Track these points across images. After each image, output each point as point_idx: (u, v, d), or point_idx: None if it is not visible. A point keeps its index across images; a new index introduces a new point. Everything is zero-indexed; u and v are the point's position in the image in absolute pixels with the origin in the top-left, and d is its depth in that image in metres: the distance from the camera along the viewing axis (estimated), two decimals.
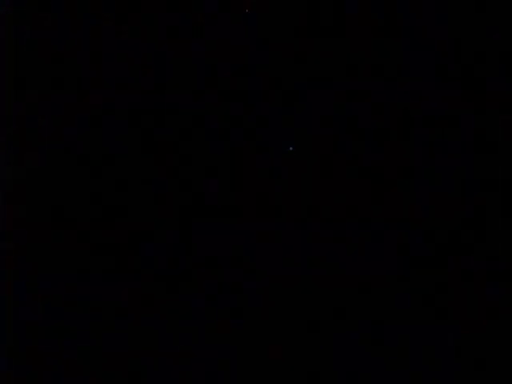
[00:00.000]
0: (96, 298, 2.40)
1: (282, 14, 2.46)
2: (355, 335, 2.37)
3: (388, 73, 2.44)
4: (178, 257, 2.42)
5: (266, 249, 2.41)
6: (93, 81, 2.46)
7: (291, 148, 2.44)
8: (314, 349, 2.37)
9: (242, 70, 2.46)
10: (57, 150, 2.45)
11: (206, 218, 2.43)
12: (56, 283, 2.41)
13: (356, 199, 2.41)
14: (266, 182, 2.43)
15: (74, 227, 2.43)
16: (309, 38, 2.45)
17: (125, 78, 2.46)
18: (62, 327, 2.39)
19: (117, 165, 2.45)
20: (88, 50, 2.46)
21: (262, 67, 2.46)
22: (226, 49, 2.46)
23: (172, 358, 2.38)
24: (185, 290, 2.41)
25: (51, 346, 2.39)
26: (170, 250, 2.42)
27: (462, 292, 2.37)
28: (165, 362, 2.38)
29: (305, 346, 2.37)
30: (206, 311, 2.40)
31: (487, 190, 2.40)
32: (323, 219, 2.41)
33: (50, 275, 2.41)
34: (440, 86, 2.43)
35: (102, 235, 2.42)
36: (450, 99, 2.43)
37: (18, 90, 2.45)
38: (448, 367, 2.35)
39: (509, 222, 2.38)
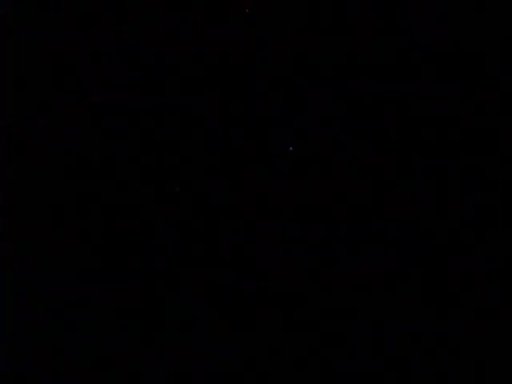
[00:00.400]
0: (96, 298, 2.40)
1: (282, 13, 2.46)
2: (355, 335, 2.37)
3: (388, 73, 2.44)
4: (178, 257, 2.42)
5: (266, 249, 2.41)
6: (93, 81, 2.46)
7: (291, 148, 2.44)
8: (313, 349, 2.37)
9: (242, 69, 2.46)
10: (57, 149, 2.45)
11: (205, 218, 2.43)
12: (56, 283, 2.41)
13: (356, 199, 2.41)
14: (266, 181, 2.43)
15: (74, 227, 2.43)
16: (309, 37, 2.45)
17: (125, 78, 2.46)
18: (62, 327, 2.39)
19: (117, 165, 2.45)
20: (88, 49, 2.46)
21: (262, 67, 2.46)
22: (226, 49, 2.46)
23: (172, 358, 2.38)
24: (185, 290, 2.41)
25: (51, 346, 2.39)
26: (170, 250, 2.42)
27: (462, 292, 2.37)
28: (165, 362, 2.38)
29: (305, 345, 2.37)
30: (206, 311, 2.40)
31: (487, 190, 2.40)
32: (323, 219, 2.41)
33: (50, 275, 2.41)
34: (440, 86, 2.43)
35: (102, 235, 2.42)
36: (450, 99, 2.43)
37: (18, 90, 2.45)
38: (448, 367, 2.35)
39: (509, 222, 2.38)
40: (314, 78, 2.45)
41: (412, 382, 2.35)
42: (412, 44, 2.43)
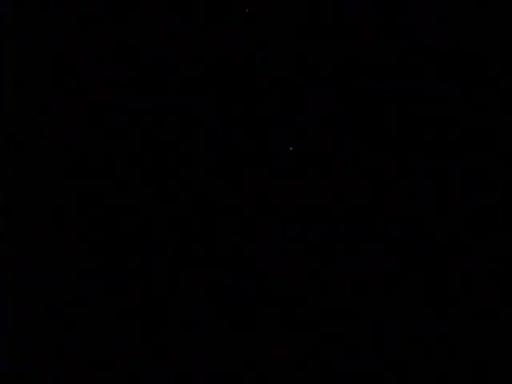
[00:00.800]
0: (96, 298, 2.40)
1: (282, 13, 2.46)
2: (355, 335, 2.37)
3: (388, 73, 2.44)
4: (178, 257, 2.42)
5: (266, 249, 2.41)
6: (93, 81, 2.46)
7: (291, 148, 2.44)
8: (313, 349, 2.37)
9: (242, 69, 2.46)
10: (57, 149, 2.45)
11: (205, 218, 2.43)
12: (56, 283, 2.41)
13: (356, 199, 2.41)
14: (266, 181, 2.43)
15: (74, 227, 2.43)
16: (309, 37, 2.45)
17: (125, 78, 2.46)
18: (62, 327, 2.39)
19: (117, 165, 2.45)
20: (88, 49, 2.46)
21: (262, 67, 2.46)
22: (226, 49, 2.46)
23: (172, 358, 2.38)
24: (185, 290, 2.41)
25: (51, 346, 2.39)
26: (170, 250, 2.42)
27: (462, 292, 2.37)
28: (165, 362, 2.38)
29: (305, 345, 2.37)
30: (206, 311, 2.40)
31: (487, 190, 2.40)
32: (323, 219, 2.41)
33: (50, 275, 2.41)
34: (440, 86, 2.43)
35: (102, 235, 2.42)
36: (450, 99, 2.43)
37: (18, 89, 2.45)
38: (448, 367, 2.35)
39: (509, 222, 2.38)
40: (314, 77, 2.45)
41: (412, 382, 2.35)
42: (412, 44, 2.43)
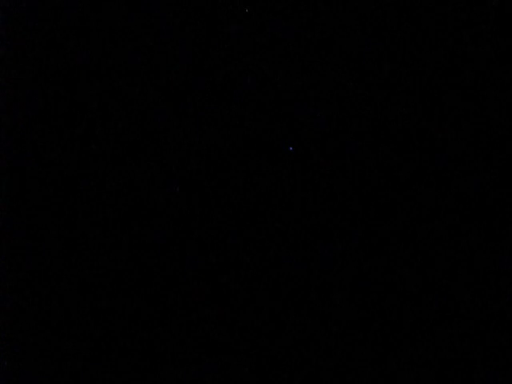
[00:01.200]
0: (96, 298, 2.40)
1: (282, 13, 2.46)
2: (355, 335, 2.37)
3: (388, 73, 2.44)
4: (178, 257, 2.42)
5: (266, 249, 2.41)
6: (93, 81, 2.46)
7: (291, 148, 2.44)
8: (313, 349, 2.38)
9: (241, 69, 2.46)
10: (57, 149, 2.45)
11: (205, 218, 2.43)
12: (56, 283, 2.41)
13: (356, 199, 2.41)
14: (266, 181, 2.44)
15: (74, 227, 2.43)
16: (309, 37, 2.45)
17: (125, 78, 2.46)
18: (61, 327, 2.39)
19: (117, 165, 2.45)
20: (88, 49, 2.46)
21: (262, 67, 2.46)
22: (226, 49, 2.46)
23: (172, 358, 2.38)
24: (185, 290, 2.41)
25: (51, 345, 2.39)
26: (170, 250, 2.42)
27: (462, 292, 2.37)
28: (165, 361, 2.38)
29: (304, 345, 2.38)
30: (206, 311, 2.40)
31: (487, 189, 2.40)
32: (323, 219, 2.42)
33: (50, 275, 2.41)
34: (440, 86, 2.43)
35: (101, 235, 2.42)
36: (450, 99, 2.43)
37: (17, 90, 2.46)
38: (448, 367, 2.35)
39: (509, 222, 2.38)
40: (314, 77, 2.45)
41: (412, 381, 2.35)
42: (412, 44, 2.43)
